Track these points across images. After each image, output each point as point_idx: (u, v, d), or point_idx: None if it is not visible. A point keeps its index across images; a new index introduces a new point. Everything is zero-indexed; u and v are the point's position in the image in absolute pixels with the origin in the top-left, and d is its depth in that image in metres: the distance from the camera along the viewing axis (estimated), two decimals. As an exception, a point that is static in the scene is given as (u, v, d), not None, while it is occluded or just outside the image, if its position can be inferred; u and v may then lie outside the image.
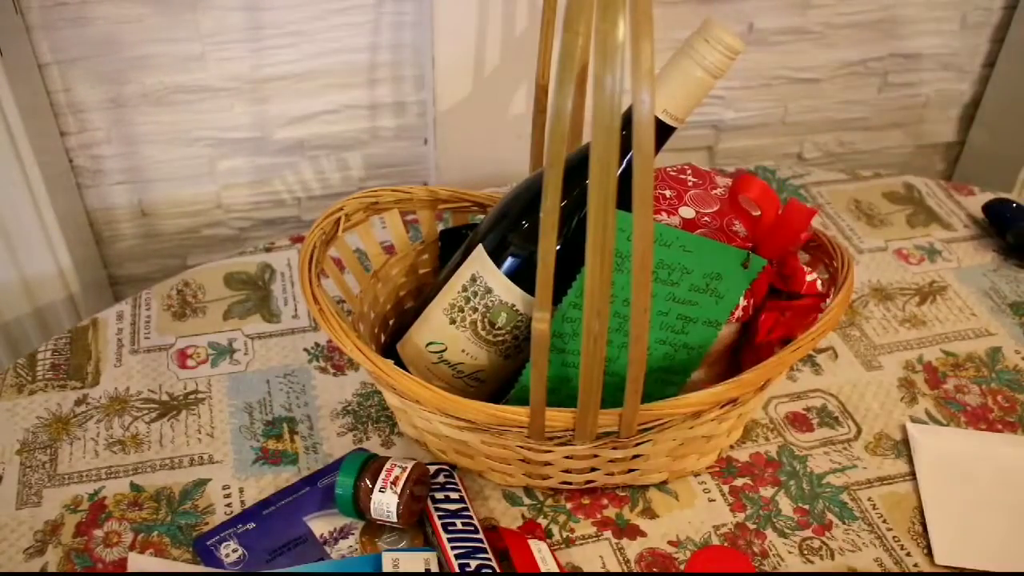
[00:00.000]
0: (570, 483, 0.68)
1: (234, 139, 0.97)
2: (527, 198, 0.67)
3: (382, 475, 0.64)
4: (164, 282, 0.87)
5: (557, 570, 0.62)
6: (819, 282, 0.66)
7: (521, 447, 0.64)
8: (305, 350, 0.81)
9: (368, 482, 0.64)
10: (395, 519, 0.63)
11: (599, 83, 0.44)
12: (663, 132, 0.60)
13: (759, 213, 0.66)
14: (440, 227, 0.78)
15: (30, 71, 0.85)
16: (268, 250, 0.91)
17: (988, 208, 0.97)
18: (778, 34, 1.07)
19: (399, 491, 0.63)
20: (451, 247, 0.76)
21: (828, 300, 0.66)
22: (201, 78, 0.92)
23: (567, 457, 0.64)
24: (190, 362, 0.79)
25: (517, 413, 0.60)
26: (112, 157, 0.94)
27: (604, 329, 0.52)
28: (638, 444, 0.64)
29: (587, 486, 0.69)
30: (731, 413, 0.65)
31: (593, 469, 0.67)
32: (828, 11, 1.07)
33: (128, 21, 0.86)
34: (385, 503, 0.63)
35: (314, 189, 1.03)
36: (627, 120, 0.51)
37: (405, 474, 0.64)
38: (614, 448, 0.63)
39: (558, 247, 0.61)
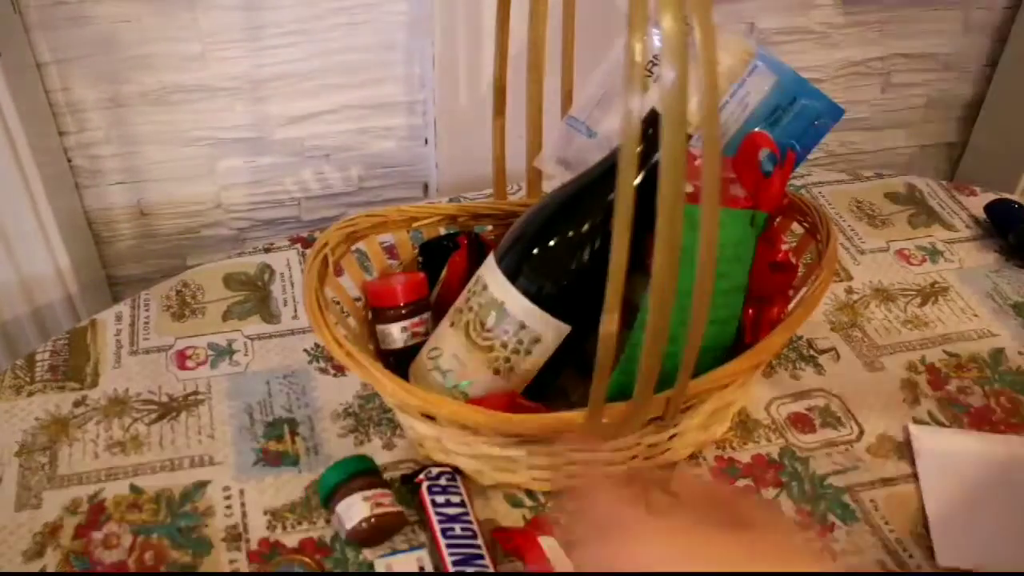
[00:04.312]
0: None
1: (233, 139, 0.96)
2: (536, 208, 0.67)
3: (375, 491, 0.64)
4: (163, 283, 0.87)
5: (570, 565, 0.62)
6: (790, 254, 0.68)
7: (571, 451, 0.64)
8: (305, 351, 0.80)
9: (360, 484, 0.64)
10: (352, 524, 0.63)
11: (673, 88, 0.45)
12: None
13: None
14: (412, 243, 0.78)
15: (29, 71, 0.85)
16: (267, 250, 0.91)
17: (990, 208, 0.97)
18: (780, 34, 1.07)
19: (371, 512, 0.63)
20: (431, 259, 0.76)
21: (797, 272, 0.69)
22: (200, 78, 0.91)
23: (613, 451, 0.65)
24: (189, 363, 0.79)
25: (571, 417, 0.60)
26: (111, 157, 0.94)
27: (667, 322, 0.53)
28: (678, 423, 0.65)
29: None
30: (753, 376, 0.69)
31: (632, 457, 0.67)
32: (830, 11, 1.06)
33: (127, 20, 0.86)
34: (355, 507, 0.63)
35: (313, 189, 1.02)
36: (650, 122, 0.59)
37: (387, 509, 0.63)
38: (656, 432, 0.65)
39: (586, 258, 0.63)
